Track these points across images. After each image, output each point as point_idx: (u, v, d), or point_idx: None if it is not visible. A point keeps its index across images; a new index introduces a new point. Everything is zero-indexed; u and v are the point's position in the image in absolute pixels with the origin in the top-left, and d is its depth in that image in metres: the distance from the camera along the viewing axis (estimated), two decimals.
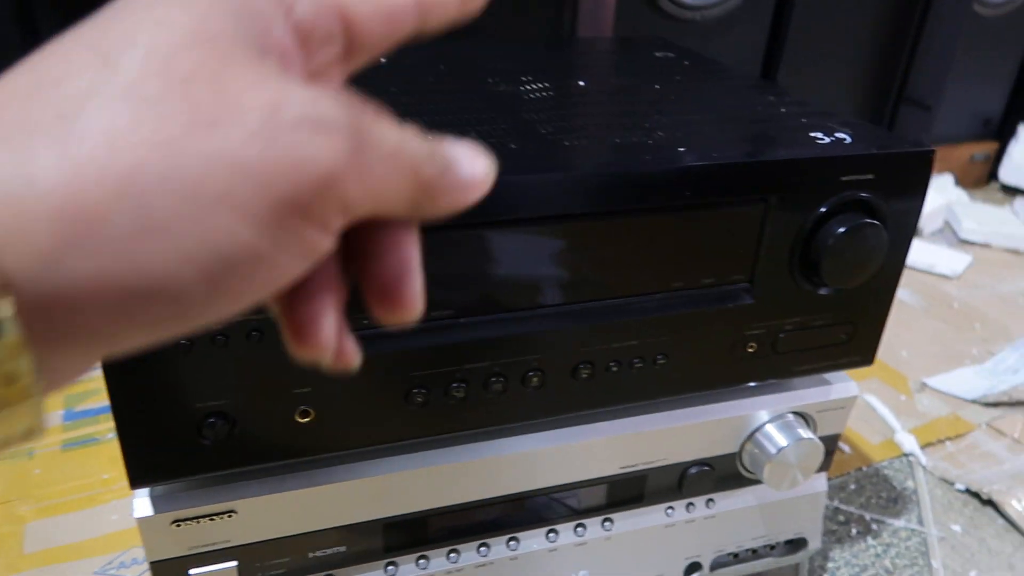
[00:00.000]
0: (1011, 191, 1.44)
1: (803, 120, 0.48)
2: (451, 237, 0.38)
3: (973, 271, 1.14)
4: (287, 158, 0.17)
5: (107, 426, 0.70)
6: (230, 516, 0.41)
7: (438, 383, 0.40)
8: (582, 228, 0.40)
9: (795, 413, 0.51)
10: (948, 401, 0.82)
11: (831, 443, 0.53)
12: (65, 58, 0.17)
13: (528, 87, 0.52)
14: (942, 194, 1.34)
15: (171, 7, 0.18)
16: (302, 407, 0.38)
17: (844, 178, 0.43)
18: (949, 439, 0.76)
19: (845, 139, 0.44)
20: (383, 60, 0.58)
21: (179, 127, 0.16)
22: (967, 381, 0.85)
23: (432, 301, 0.39)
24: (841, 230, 0.43)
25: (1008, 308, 1.03)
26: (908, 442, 0.75)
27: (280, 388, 0.37)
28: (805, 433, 0.50)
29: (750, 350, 0.46)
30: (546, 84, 0.53)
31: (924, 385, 0.85)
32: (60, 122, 0.16)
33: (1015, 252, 1.21)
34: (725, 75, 0.59)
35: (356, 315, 0.37)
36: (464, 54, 0.61)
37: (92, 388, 0.74)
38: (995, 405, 0.82)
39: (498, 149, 0.40)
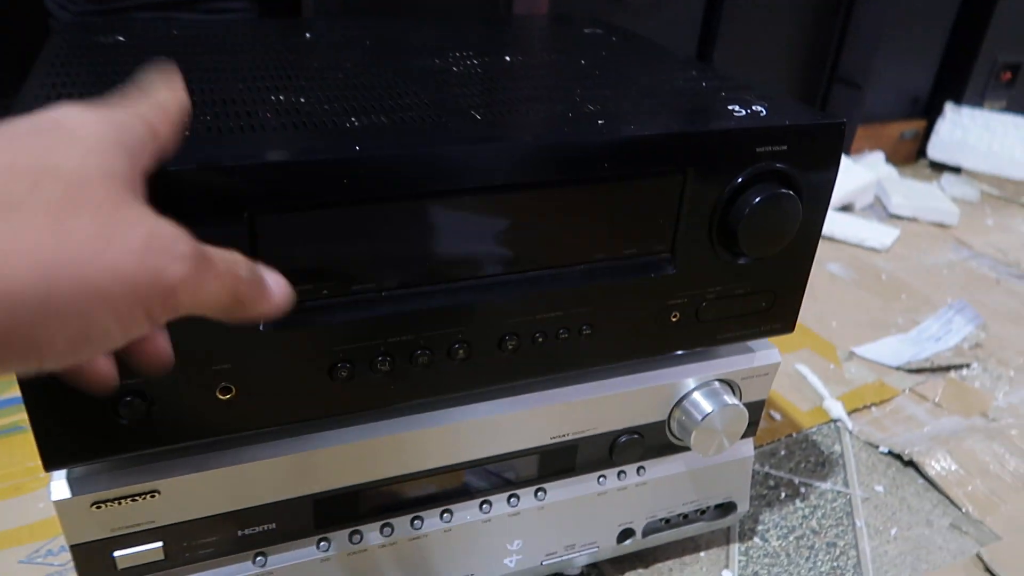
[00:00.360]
0: (939, 167, 1.49)
1: (722, 94, 0.49)
2: (371, 211, 0.38)
3: (901, 244, 1.17)
4: (151, 272, 0.24)
5: None
6: (153, 496, 0.40)
7: (362, 357, 0.40)
8: (503, 201, 0.40)
9: (720, 380, 0.53)
10: (874, 368, 0.85)
11: (756, 409, 0.55)
12: None
13: (454, 63, 0.52)
14: (873, 170, 1.37)
15: (78, 142, 0.24)
16: (222, 384, 0.38)
17: (759, 149, 0.44)
18: (874, 404, 0.79)
19: (761, 111, 0.46)
20: (308, 35, 0.58)
21: (85, 242, 0.22)
22: (892, 349, 0.88)
23: (354, 275, 0.39)
24: (757, 200, 0.44)
25: (932, 279, 1.07)
26: (836, 408, 0.77)
27: (198, 365, 0.37)
28: (730, 399, 0.51)
29: (674, 319, 0.48)
30: (472, 60, 0.53)
31: (852, 354, 0.88)
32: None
33: (941, 226, 1.25)
34: (651, 51, 0.60)
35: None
36: (393, 32, 0.61)
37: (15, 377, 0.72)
38: (918, 371, 0.85)
39: (419, 123, 0.40)
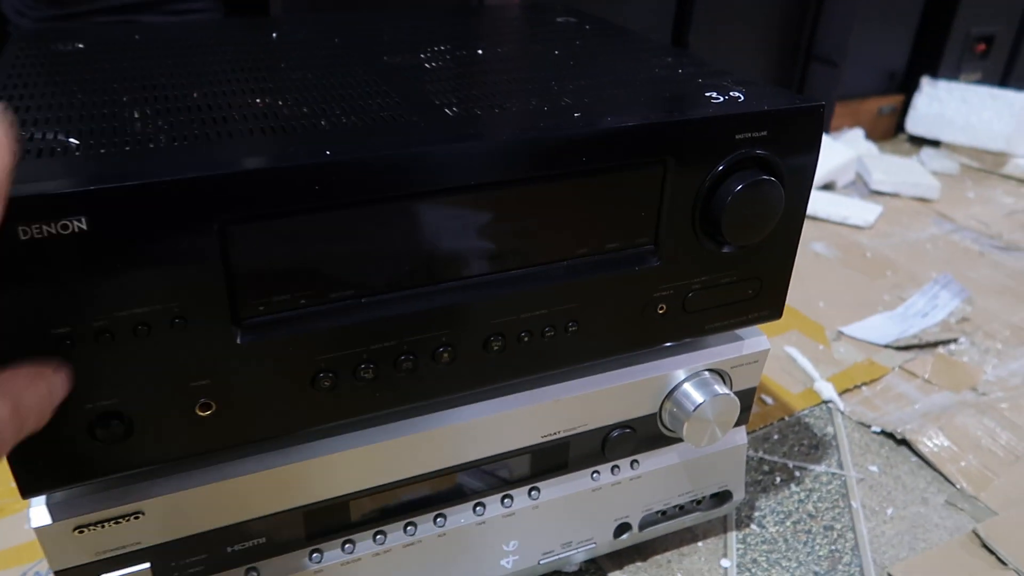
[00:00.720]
0: (918, 141, 1.49)
1: (699, 81, 0.48)
2: (346, 216, 0.37)
3: (884, 221, 1.17)
4: None
5: None
6: (137, 517, 0.39)
7: (345, 366, 0.39)
8: (480, 199, 0.39)
9: (710, 370, 0.52)
10: (863, 347, 0.85)
11: (747, 397, 0.55)
12: None
13: (426, 58, 0.51)
14: (853, 147, 1.37)
15: None
16: (202, 400, 0.37)
17: (738, 136, 0.43)
18: (865, 384, 0.79)
19: (739, 97, 0.45)
20: (274, 35, 0.57)
21: None
22: (880, 327, 0.88)
23: (332, 282, 0.38)
24: (739, 187, 0.43)
25: (916, 255, 1.07)
26: (827, 390, 0.77)
27: (175, 382, 0.36)
28: (721, 389, 0.51)
29: (660, 311, 0.47)
30: (445, 54, 0.52)
31: (840, 334, 0.88)
32: None
33: (922, 200, 1.25)
34: (625, 39, 0.59)
35: (255, 302, 0.36)
36: (362, 28, 0.60)
37: None
38: (906, 348, 0.85)
39: (391, 123, 0.39)
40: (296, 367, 0.38)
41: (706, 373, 0.52)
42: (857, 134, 1.45)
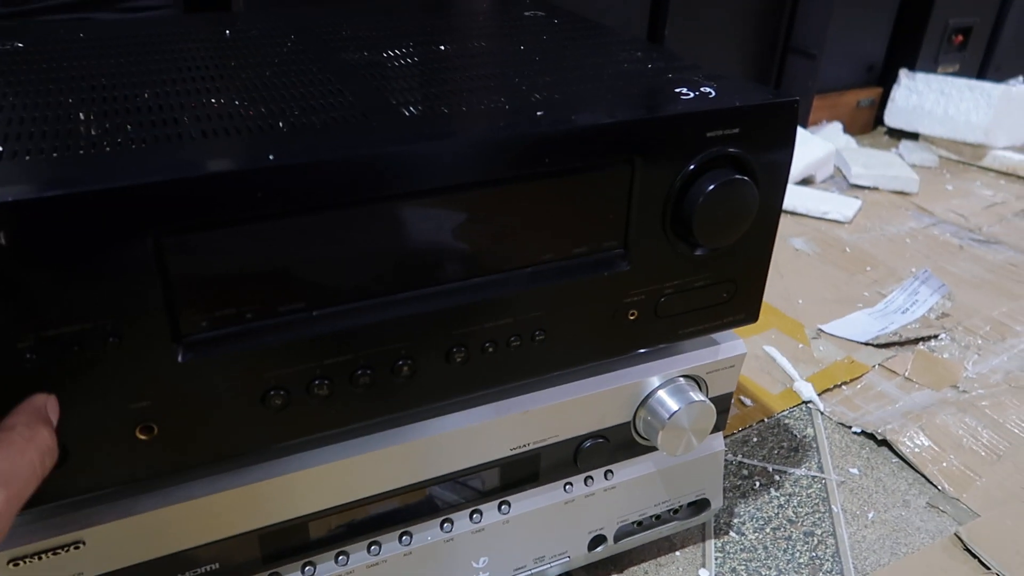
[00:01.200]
0: (896, 134, 1.49)
1: (669, 76, 0.46)
2: (294, 225, 0.34)
3: (863, 215, 1.16)
4: None
5: None
6: (78, 547, 0.37)
7: (297, 382, 0.37)
8: (439, 204, 0.37)
9: (685, 376, 0.50)
10: (843, 345, 0.84)
11: (724, 402, 0.53)
12: None
13: (387, 55, 0.49)
14: (831, 141, 1.36)
15: None
16: (142, 423, 0.34)
17: (709, 134, 0.41)
18: (845, 383, 0.78)
19: (710, 93, 0.43)
20: (228, 32, 0.54)
21: None
22: (860, 324, 0.87)
23: (280, 295, 0.36)
24: (711, 187, 0.41)
25: (896, 249, 1.06)
26: (806, 390, 0.76)
27: (112, 404, 0.33)
28: (696, 396, 0.49)
29: (632, 317, 0.45)
30: (406, 51, 0.50)
31: (820, 331, 0.86)
32: None
33: (901, 193, 1.24)
34: (594, 33, 0.57)
35: (196, 317, 0.34)
36: (322, 24, 0.57)
37: None
38: (887, 346, 0.84)
39: (340, 125, 0.37)
40: (244, 385, 0.36)
41: (681, 380, 0.50)
42: (835, 128, 1.44)
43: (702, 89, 0.43)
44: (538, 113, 0.39)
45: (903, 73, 1.46)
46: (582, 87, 0.44)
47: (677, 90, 0.43)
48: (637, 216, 0.42)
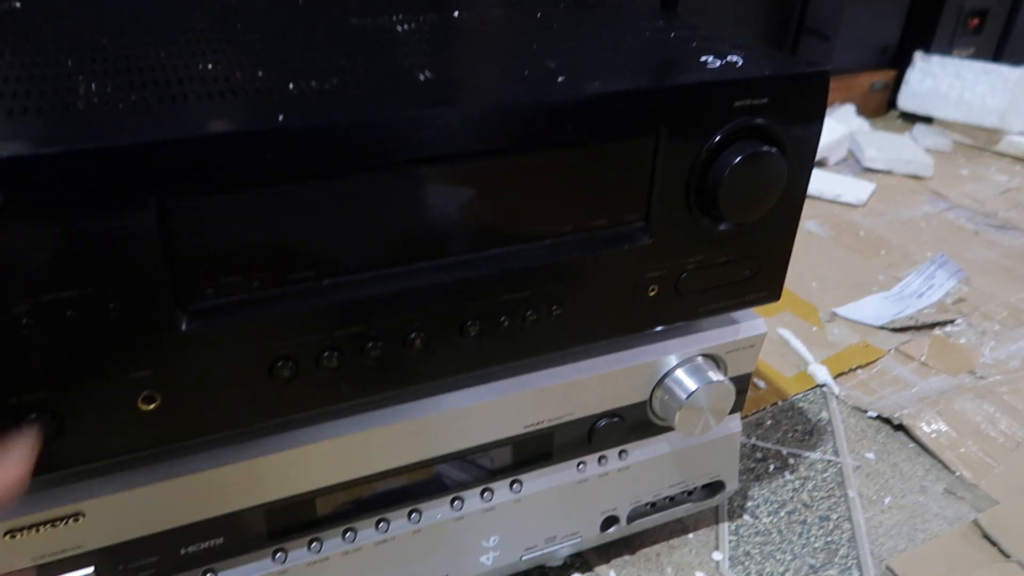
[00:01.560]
0: (910, 118, 1.46)
1: (693, 45, 0.44)
2: (305, 189, 0.33)
3: (877, 198, 1.14)
4: None
5: None
6: (77, 520, 0.36)
7: (306, 353, 0.36)
8: (456, 172, 0.36)
9: (704, 355, 0.49)
10: (858, 329, 0.82)
11: (742, 383, 0.52)
12: None
13: (398, 21, 0.47)
14: (845, 124, 1.34)
15: None
16: (145, 392, 0.33)
17: (737, 103, 0.39)
18: (860, 367, 0.76)
19: (737, 62, 0.41)
20: None
21: None
22: (875, 308, 0.86)
23: (289, 262, 0.35)
24: (737, 159, 0.40)
25: (910, 233, 1.04)
26: (821, 373, 0.74)
27: (112, 373, 0.32)
28: (715, 376, 0.48)
29: (651, 293, 0.44)
30: (418, 17, 0.48)
31: (834, 315, 0.85)
32: None
33: (915, 177, 1.22)
34: (612, 2, 0.55)
35: (201, 284, 0.33)
36: None
37: None
38: (902, 330, 0.82)
39: (357, 88, 0.35)
40: (251, 355, 0.35)
41: (700, 359, 0.49)
42: (849, 110, 1.42)
43: (729, 58, 0.42)
44: (559, 79, 0.38)
45: (918, 55, 1.44)
46: (604, 55, 0.42)
47: (703, 59, 0.42)
48: (660, 188, 0.40)
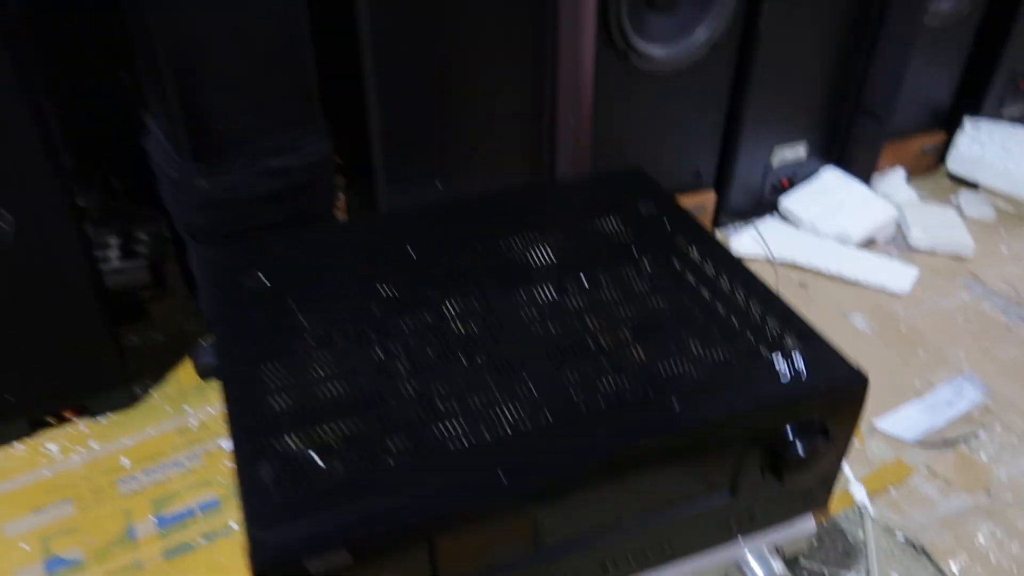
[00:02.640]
0: (957, 180, 1.57)
1: (766, 339, 0.60)
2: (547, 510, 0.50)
3: (919, 286, 1.28)
4: None
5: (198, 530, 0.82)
6: None
7: None
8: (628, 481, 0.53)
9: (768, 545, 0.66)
10: (893, 445, 0.98)
11: (794, 562, 0.69)
12: None
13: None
14: (894, 191, 1.46)
15: None
16: None
17: (800, 406, 0.56)
18: (893, 486, 0.92)
19: (801, 370, 0.57)
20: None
21: None
22: (910, 420, 1.01)
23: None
24: (800, 447, 0.56)
25: (946, 328, 1.18)
26: (860, 493, 0.91)
27: None
28: (778, 568, 0.65)
29: (731, 524, 0.61)
30: (545, 296, 0.65)
31: (874, 429, 1.00)
32: None
33: (957, 258, 1.35)
34: (698, 269, 0.70)
35: None
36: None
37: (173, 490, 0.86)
38: (932, 446, 0.97)
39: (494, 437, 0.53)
40: None
41: (763, 547, 0.66)
42: (899, 177, 1.53)
43: (794, 361, 0.58)
44: (676, 408, 0.54)
45: (967, 121, 1.53)
46: (703, 366, 0.58)
47: (776, 366, 0.58)
48: (742, 472, 0.57)
